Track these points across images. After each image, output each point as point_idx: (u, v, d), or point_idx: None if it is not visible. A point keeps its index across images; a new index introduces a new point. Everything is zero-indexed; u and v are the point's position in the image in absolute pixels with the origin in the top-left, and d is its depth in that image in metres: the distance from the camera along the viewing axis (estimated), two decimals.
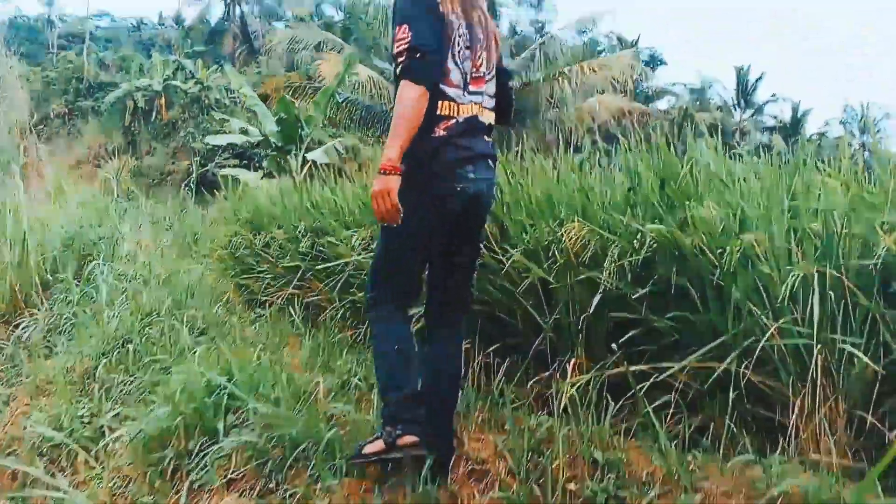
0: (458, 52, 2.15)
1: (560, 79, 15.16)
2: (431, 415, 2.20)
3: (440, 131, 2.12)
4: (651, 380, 2.20)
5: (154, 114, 29.11)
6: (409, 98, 2.02)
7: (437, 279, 2.33)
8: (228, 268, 6.06)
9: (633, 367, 2.12)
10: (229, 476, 2.45)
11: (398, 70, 2.06)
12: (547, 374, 2.61)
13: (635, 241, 2.31)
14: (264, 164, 12.15)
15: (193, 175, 21.10)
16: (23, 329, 6.22)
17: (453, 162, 2.13)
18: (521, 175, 2.97)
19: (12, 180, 9.65)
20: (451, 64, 2.14)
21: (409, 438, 2.08)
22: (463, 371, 2.48)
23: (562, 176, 2.85)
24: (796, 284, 1.96)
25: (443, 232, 2.20)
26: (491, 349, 2.84)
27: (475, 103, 2.20)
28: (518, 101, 15.37)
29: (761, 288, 2.09)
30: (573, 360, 2.43)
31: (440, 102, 2.12)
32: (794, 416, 2.01)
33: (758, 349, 1.98)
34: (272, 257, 4.86)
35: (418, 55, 2.02)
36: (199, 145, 21.45)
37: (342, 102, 14.31)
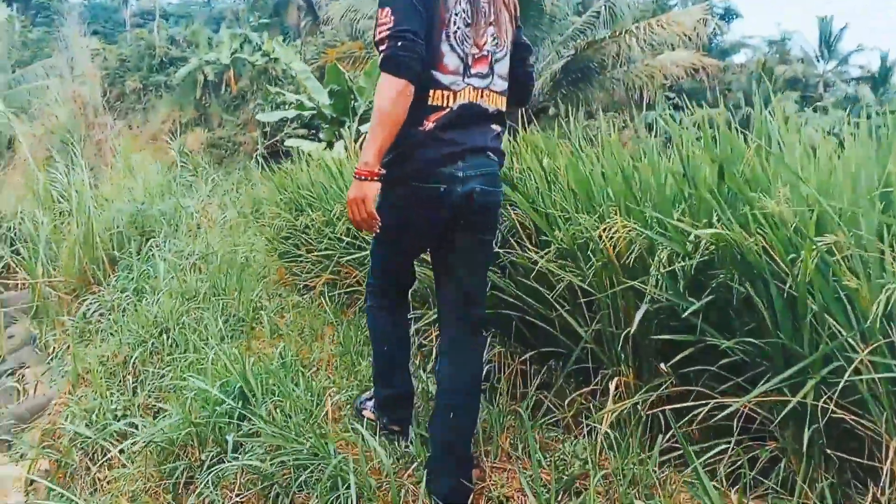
0: (455, 32, 1.90)
1: (627, 36, 14.40)
2: (443, 446, 1.97)
3: (428, 124, 1.89)
4: (707, 408, 1.84)
5: (223, 87, 29.60)
6: (389, 93, 1.78)
7: (439, 281, 2.12)
8: (273, 249, 5.90)
9: (680, 403, 1.76)
10: (234, 499, 2.25)
11: (379, 60, 1.83)
12: (588, 389, 2.28)
13: (688, 242, 1.93)
14: (320, 135, 12.01)
15: (259, 146, 21.30)
16: (88, 305, 6.33)
17: (436, 160, 1.90)
18: (556, 156, 2.60)
19: (78, 158, 9.83)
20: (445, 47, 1.89)
21: (394, 427, 2.27)
22: (484, 386, 2.29)
23: (602, 157, 2.46)
24: (892, 301, 1.56)
25: (433, 233, 2.02)
26: (527, 355, 2.52)
27: (475, 88, 1.95)
28: (582, 61, 14.80)
29: (846, 302, 1.69)
30: (616, 379, 2.09)
31: (432, 92, 1.89)
32: (888, 461, 1.63)
33: (842, 381, 1.59)
34: (311, 241, 4.64)
35: (399, 44, 1.77)
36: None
37: None
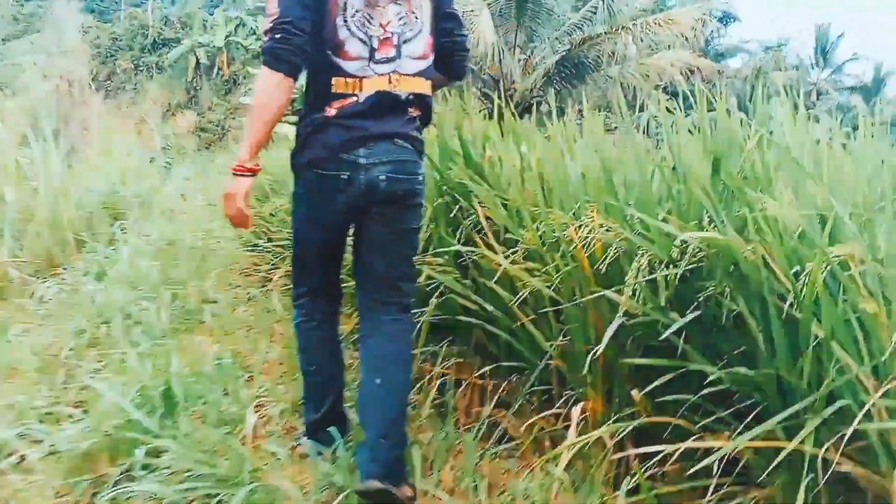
0: (353, 15, 1.79)
1: (623, 33, 14.12)
2: (371, 421, 1.83)
3: (330, 111, 1.80)
4: (683, 446, 1.54)
5: (216, 70, 29.24)
6: (264, 86, 1.76)
7: (357, 271, 2.00)
8: (239, 236, 5.58)
9: (654, 441, 1.46)
10: None
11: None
12: (551, 412, 1.98)
13: (673, 246, 1.62)
14: None
15: None
16: (46, 288, 5.99)
17: (336, 146, 1.80)
18: (534, 145, 2.30)
19: (48, 135, 9.45)
20: (343, 33, 1.78)
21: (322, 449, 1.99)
22: (437, 399, 2.16)
23: (581, 148, 2.15)
24: None
25: (340, 222, 1.91)
26: (486, 368, 2.21)
27: (381, 74, 1.82)
28: (577, 57, 14.51)
29: (858, 329, 1.39)
30: (582, 403, 1.78)
31: (334, 80, 1.79)
32: None
33: (850, 429, 1.29)
34: (272, 230, 4.32)
35: (278, 36, 1.72)
36: None
37: None
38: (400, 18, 1.82)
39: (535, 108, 14.43)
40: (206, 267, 5.18)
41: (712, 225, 1.60)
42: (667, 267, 1.63)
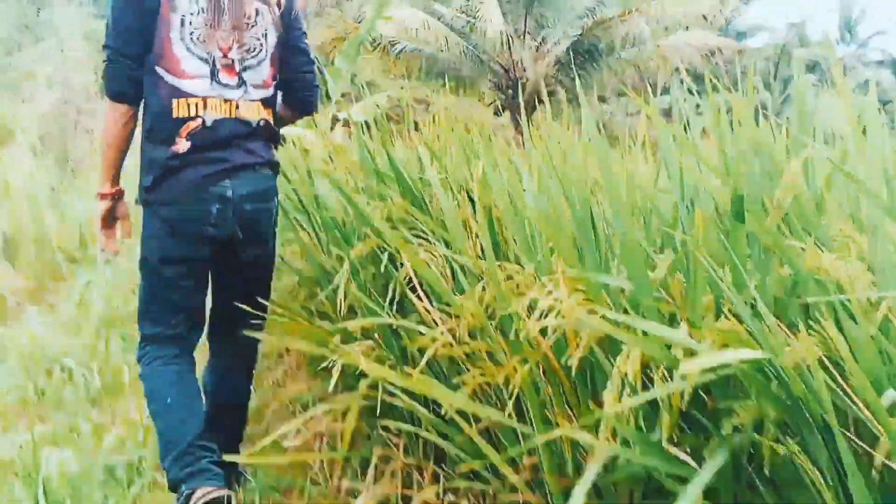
0: (191, 33, 1.72)
1: (637, 15, 13.45)
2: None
3: (182, 140, 1.71)
4: None
5: None
6: (107, 118, 1.77)
7: (215, 297, 1.94)
8: None
9: None
10: None
11: None
12: None
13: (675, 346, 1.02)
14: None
15: None
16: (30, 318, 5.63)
17: (201, 179, 1.72)
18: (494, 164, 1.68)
19: (24, 150, 9.11)
20: (180, 51, 1.72)
21: (202, 491, 1.64)
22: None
23: (555, 173, 1.53)
24: None
25: (203, 256, 1.78)
26: (439, 488, 1.61)
27: (227, 100, 1.76)
28: (589, 42, 13.85)
29: None
30: None
31: (175, 102, 1.72)
32: None
33: None
34: None
35: (105, 63, 1.73)
36: None
37: (400, 52, 13.57)
38: (241, 45, 1.77)
39: (552, 96, 13.83)
40: None
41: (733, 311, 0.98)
42: (669, 374, 1.02)
